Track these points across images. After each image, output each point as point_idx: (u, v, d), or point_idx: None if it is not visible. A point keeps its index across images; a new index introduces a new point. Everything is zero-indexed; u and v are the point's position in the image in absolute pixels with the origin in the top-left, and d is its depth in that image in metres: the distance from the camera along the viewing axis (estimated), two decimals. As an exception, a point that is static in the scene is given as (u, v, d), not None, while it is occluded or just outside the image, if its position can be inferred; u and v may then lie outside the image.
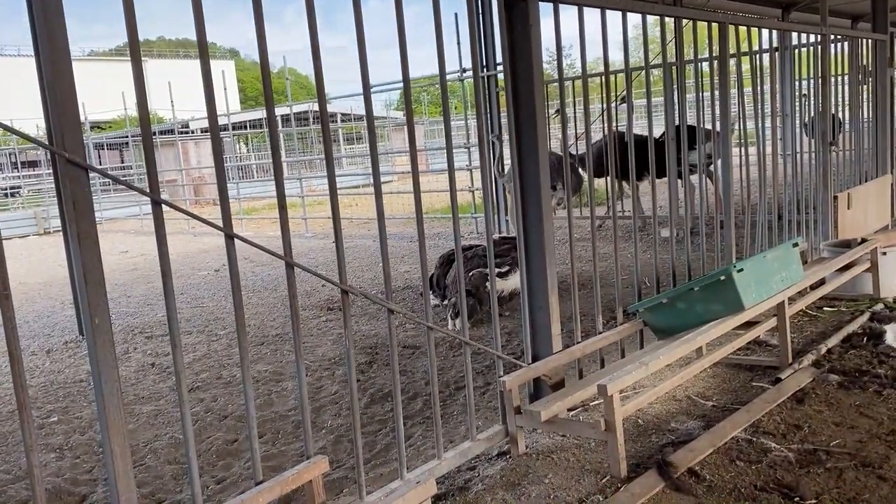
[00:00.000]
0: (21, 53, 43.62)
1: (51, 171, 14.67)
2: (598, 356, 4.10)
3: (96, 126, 33.23)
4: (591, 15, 3.88)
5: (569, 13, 3.77)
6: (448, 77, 3.36)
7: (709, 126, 5.31)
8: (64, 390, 5.41)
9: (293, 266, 2.58)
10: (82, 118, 2.48)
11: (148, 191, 2.22)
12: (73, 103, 2.01)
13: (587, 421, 3.64)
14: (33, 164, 30.85)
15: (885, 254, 5.57)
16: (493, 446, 3.51)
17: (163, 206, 2.24)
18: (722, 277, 3.94)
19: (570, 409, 3.80)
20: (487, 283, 5.98)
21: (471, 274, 6.06)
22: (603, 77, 4.94)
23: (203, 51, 2.31)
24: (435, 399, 3.16)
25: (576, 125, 11.25)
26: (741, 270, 3.96)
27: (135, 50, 2.15)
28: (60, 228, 8.19)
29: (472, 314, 5.97)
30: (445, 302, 6.39)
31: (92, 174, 2.13)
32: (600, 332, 4.06)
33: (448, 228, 12.82)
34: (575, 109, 11.04)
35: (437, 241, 11.29)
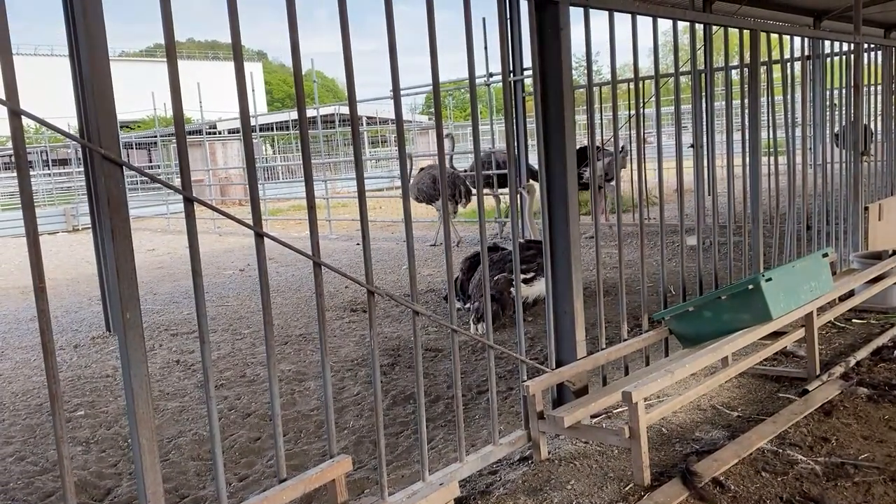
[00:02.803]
0: (54, 53, 44.44)
1: (81, 169, 14.89)
2: (623, 363, 4.07)
3: (125, 126, 33.70)
4: (621, 21, 3.87)
5: (598, 19, 3.76)
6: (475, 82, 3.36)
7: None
8: (91, 385, 5.48)
9: (321, 265, 2.60)
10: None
11: (180, 188, 2.25)
12: (110, 100, 2.05)
13: (611, 428, 3.61)
14: (63, 163, 31.32)
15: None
16: (515, 451, 3.50)
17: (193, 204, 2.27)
18: (750, 286, 3.90)
19: (593, 416, 3.78)
20: (512, 289, 5.97)
21: (496, 279, 6.05)
22: (630, 83, 4.91)
23: (237, 54, 2.33)
24: (458, 402, 3.16)
25: (602, 131, 11.20)
26: (769, 280, 3.91)
27: (171, 53, 2.18)
28: (90, 225, 8.31)
29: (496, 319, 5.96)
30: (468, 306, 6.38)
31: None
32: (625, 340, 4.03)
33: (470, 232, 12.82)
34: (602, 115, 10.99)
35: (461, 244, 11.29)
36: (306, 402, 4.76)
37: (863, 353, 4.54)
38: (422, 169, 12.20)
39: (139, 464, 2.18)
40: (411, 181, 12.02)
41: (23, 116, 1.90)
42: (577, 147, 9.83)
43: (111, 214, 2.06)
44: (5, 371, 6.07)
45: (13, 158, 1.94)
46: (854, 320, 5.34)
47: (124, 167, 2.09)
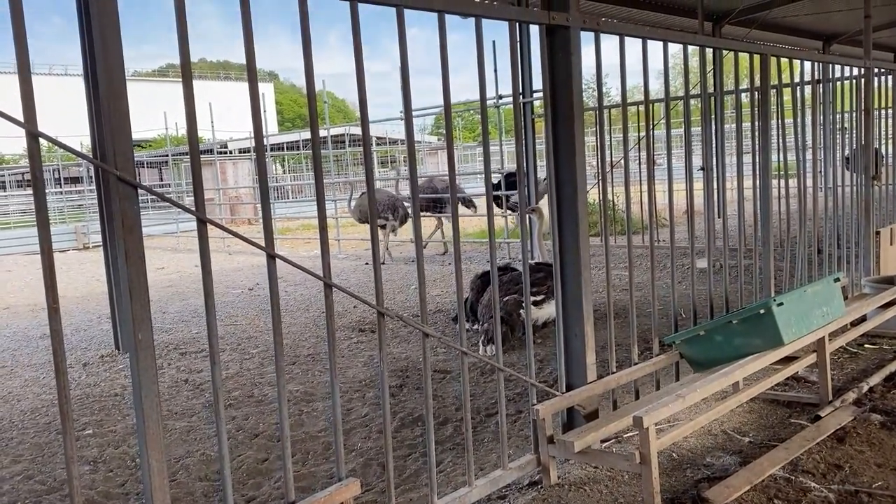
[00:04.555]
0: (68, 73, 44.98)
1: (93, 187, 15.01)
2: (633, 387, 4.05)
3: (136, 144, 34.00)
4: (631, 43, 3.89)
5: (609, 42, 3.78)
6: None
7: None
8: (99, 403, 5.48)
9: (331, 287, 2.60)
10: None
11: (194, 209, 2.26)
12: (126, 124, 2.07)
13: (621, 453, 3.58)
14: (75, 181, 31.58)
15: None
16: (524, 475, 3.47)
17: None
18: (761, 311, 3.88)
19: (603, 441, 3.75)
20: (521, 311, 5.95)
21: (506, 300, 6.04)
22: (640, 106, 4.93)
23: (252, 76, 2.36)
24: (467, 424, 3.14)
25: (612, 153, 11.23)
26: (781, 304, 3.89)
27: (187, 75, 2.20)
28: (100, 243, 8.34)
29: (505, 341, 5.93)
30: (477, 327, 6.37)
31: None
32: (635, 363, 4.01)
33: (479, 252, 12.82)
34: (612, 137, 11.03)
35: (469, 264, 11.29)
36: (314, 423, 4.74)
37: (876, 379, 4.49)
38: (363, 193, 13.41)
39: (148, 484, 2.17)
40: (353, 203, 12.97)
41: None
42: (506, 172, 10.46)
43: (125, 235, 2.08)
44: (15, 389, 6.08)
45: (27, 177, 1.96)
46: (866, 345, 5.30)
47: (138, 188, 2.10)
